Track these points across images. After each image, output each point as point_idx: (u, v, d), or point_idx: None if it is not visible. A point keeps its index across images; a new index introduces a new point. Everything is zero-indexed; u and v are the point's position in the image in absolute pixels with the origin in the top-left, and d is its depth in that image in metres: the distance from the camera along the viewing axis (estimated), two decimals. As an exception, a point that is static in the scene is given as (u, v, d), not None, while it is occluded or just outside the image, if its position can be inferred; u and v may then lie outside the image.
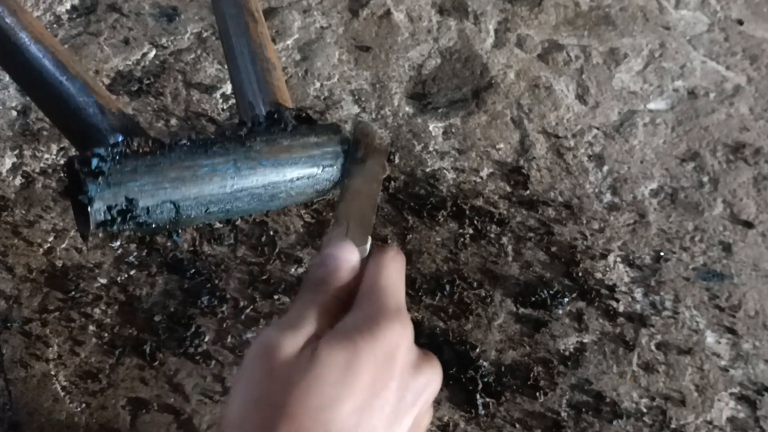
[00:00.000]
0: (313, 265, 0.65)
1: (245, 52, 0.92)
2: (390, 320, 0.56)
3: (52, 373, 1.16)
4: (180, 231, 0.76)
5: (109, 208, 0.70)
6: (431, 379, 0.57)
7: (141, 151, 0.74)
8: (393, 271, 0.62)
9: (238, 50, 0.93)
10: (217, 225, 1.30)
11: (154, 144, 0.76)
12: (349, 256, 0.62)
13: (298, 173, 0.81)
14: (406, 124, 1.46)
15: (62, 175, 1.34)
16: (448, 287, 1.27)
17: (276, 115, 0.86)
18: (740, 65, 1.59)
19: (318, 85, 1.51)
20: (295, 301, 0.60)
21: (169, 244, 1.25)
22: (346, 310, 0.59)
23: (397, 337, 0.55)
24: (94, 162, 0.70)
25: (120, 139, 0.76)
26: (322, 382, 0.51)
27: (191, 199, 0.74)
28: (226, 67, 1.39)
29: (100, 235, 0.69)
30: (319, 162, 0.83)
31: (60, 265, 1.26)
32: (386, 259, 0.62)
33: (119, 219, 0.70)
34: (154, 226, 0.74)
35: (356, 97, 1.50)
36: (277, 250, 1.29)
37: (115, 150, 0.72)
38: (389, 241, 1.30)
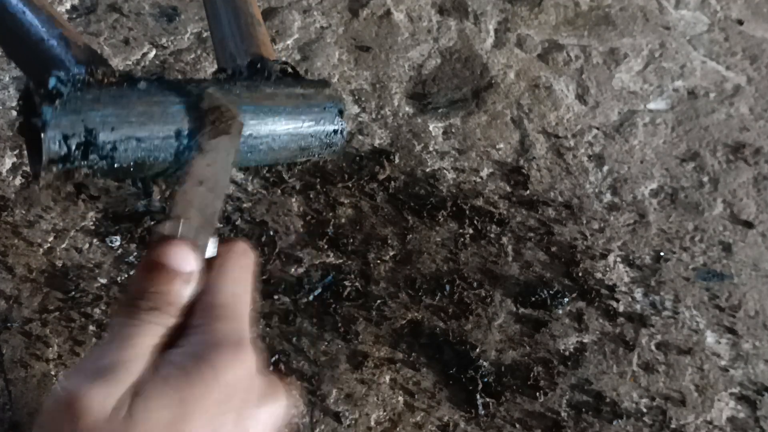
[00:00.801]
0: (133, 276, 0.51)
1: (228, 7, 0.86)
2: (225, 354, 0.45)
3: (52, 373, 1.16)
4: (146, 180, 0.68)
5: (66, 138, 0.60)
6: (274, 412, 0.48)
7: (106, 81, 0.65)
8: (236, 282, 0.50)
9: (219, 4, 0.86)
10: (217, 225, 1.29)
11: (122, 77, 0.66)
12: (180, 264, 0.48)
13: (281, 125, 0.74)
14: (406, 124, 1.46)
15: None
16: (448, 287, 1.26)
17: (259, 66, 0.78)
18: (740, 65, 1.59)
19: (318, 85, 1.51)
20: (109, 331, 0.47)
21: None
22: (181, 332, 0.47)
23: (234, 376, 0.45)
24: (52, 82, 0.61)
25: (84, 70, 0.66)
26: None
27: (159, 138, 0.64)
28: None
29: (54, 170, 0.60)
30: (305, 115, 0.76)
31: (60, 265, 1.26)
32: (231, 264, 0.50)
33: (76, 153, 0.61)
34: (116, 166, 0.64)
35: (356, 97, 1.50)
36: (277, 250, 1.29)
37: (78, 77, 0.63)
38: (388, 242, 1.30)
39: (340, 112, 0.79)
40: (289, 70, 0.80)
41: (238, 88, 0.72)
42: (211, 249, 0.52)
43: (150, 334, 0.47)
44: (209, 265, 0.51)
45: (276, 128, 0.73)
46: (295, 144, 0.75)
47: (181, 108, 0.66)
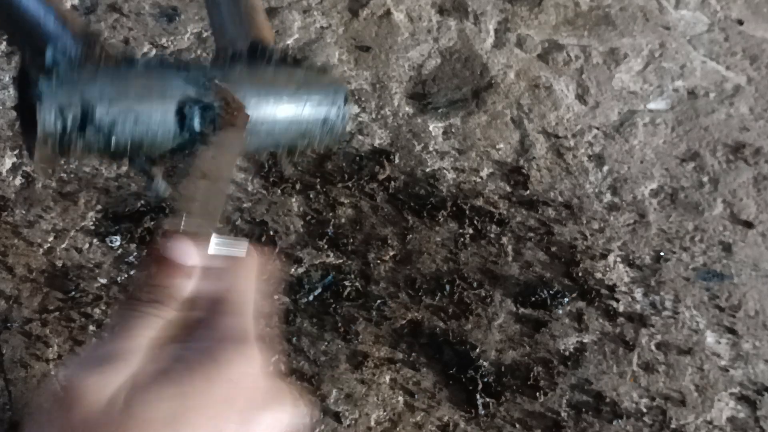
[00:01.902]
0: (139, 269, 0.50)
1: None
2: (230, 350, 0.44)
3: (52, 373, 1.16)
4: (145, 159, 0.66)
5: (62, 110, 0.58)
6: (279, 417, 0.46)
7: (105, 57, 0.64)
8: (244, 282, 0.49)
9: None
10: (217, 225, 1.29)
11: (120, 54, 0.65)
12: (181, 257, 0.48)
13: (282, 108, 0.72)
14: (406, 124, 1.46)
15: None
16: (448, 287, 1.26)
17: (259, 50, 0.77)
18: (740, 65, 1.59)
19: (318, 85, 1.51)
20: (110, 323, 0.47)
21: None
22: (184, 327, 0.47)
23: (238, 373, 0.44)
24: (49, 54, 0.60)
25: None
26: None
27: (158, 114, 0.62)
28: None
29: (50, 143, 0.58)
30: (306, 99, 0.74)
31: (60, 265, 1.26)
32: (238, 265, 0.50)
33: (73, 126, 0.59)
34: (114, 142, 0.62)
35: (356, 97, 1.50)
36: (277, 250, 1.29)
37: (75, 51, 0.62)
38: (388, 243, 1.30)
39: (343, 97, 0.77)
40: (290, 55, 0.78)
41: (238, 71, 0.71)
42: (217, 245, 0.51)
43: (150, 326, 0.46)
44: (216, 264, 0.50)
45: (277, 112, 0.71)
46: (296, 128, 0.74)
47: (182, 86, 0.64)
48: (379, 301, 1.24)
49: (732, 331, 1.26)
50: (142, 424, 0.40)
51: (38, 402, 0.43)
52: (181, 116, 0.64)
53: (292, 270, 1.27)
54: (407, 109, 1.49)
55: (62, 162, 1.39)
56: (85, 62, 0.62)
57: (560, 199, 1.38)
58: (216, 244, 0.51)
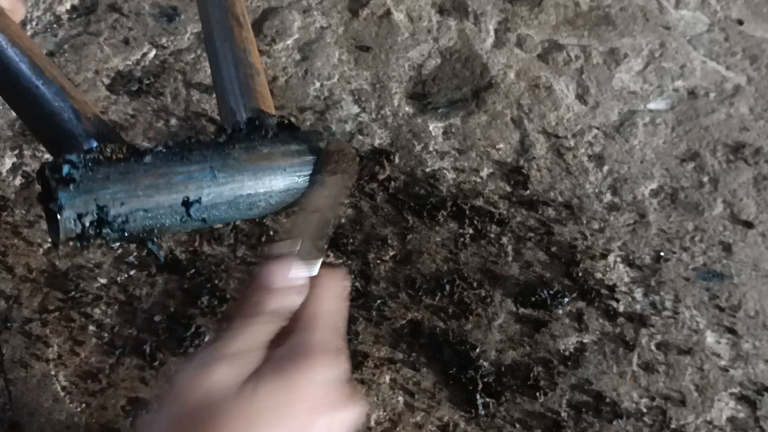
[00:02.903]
0: (257, 280, 0.63)
1: (229, 56, 0.90)
2: (325, 354, 0.56)
3: (52, 373, 1.16)
4: (156, 240, 0.76)
5: (80, 216, 0.68)
6: (353, 416, 0.57)
7: (114, 157, 0.72)
8: (336, 298, 0.61)
9: (221, 55, 0.91)
10: (217, 225, 1.30)
11: (129, 150, 0.74)
12: (297, 277, 0.60)
13: (278, 182, 0.79)
14: (406, 124, 1.46)
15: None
16: (448, 287, 1.27)
17: (257, 122, 0.84)
18: (740, 65, 1.59)
19: (318, 85, 1.51)
20: (236, 322, 0.58)
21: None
22: (287, 332, 0.58)
23: (331, 372, 0.55)
24: (65, 169, 0.68)
25: (94, 145, 0.74)
26: (261, 421, 0.51)
27: (165, 207, 0.71)
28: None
29: (71, 243, 0.70)
30: (300, 171, 0.81)
31: (60, 265, 1.26)
32: (331, 285, 0.61)
33: (90, 228, 0.69)
34: (127, 234, 0.72)
35: (356, 97, 1.50)
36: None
37: (88, 156, 0.71)
38: (388, 242, 1.30)
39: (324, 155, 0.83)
40: (286, 122, 0.85)
41: (237, 151, 0.78)
42: (317, 270, 0.62)
43: (267, 332, 0.58)
44: (312, 282, 0.61)
45: (273, 186, 0.79)
46: (291, 198, 0.81)
47: (185, 178, 0.73)
48: (379, 301, 1.24)
49: (732, 331, 1.26)
50: (265, 408, 0.52)
51: (173, 386, 0.54)
52: (187, 205, 0.73)
53: (292, 270, 1.27)
54: (407, 109, 1.49)
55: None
56: (98, 166, 0.70)
57: (560, 199, 1.38)
58: (316, 269, 0.62)
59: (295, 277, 0.60)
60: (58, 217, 0.67)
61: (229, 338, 0.56)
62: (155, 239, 0.75)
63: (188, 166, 0.73)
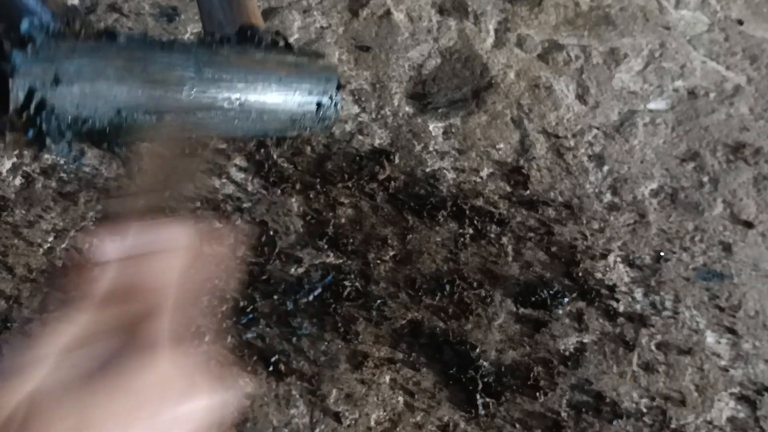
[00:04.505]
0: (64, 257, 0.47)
1: None
2: (136, 362, 0.41)
3: None
4: (123, 146, 0.62)
5: (36, 86, 0.54)
6: (191, 414, 0.43)
7: (84, 33, 0.60)
8: (163, 275, 0.44)
9: None
10: (217, 225, 1.30)
11: (102, 31, 0.61)
12: (97, 253, 0.43)
13: (273, 94, 0.69)
14: (406, 124, 1.46)
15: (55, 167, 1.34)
16: (448, 287, 1.26)
17: (249, 33, 0.73)
18: (740, 65, 1.59)
19: (318, 85, 1.51)
20: (54, 314, 0.44)
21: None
22: (95, 330, 0.43)
23: (143, 385, 0.41)
24: (24, 26, 0.56)
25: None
26: None
27: (139, 96, 0.58)
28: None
29: (23, 120, 0.54)
30: (297, 84, 0.70)
31: (60, 265, 1.26)
32: (156, 258, 0.44)
33: (47, 103, 0.55)
34: (90, 124, 0.59)
35: (356, 97, 1.50)
36: (277, 250, 1.29)
37: (54, 26, 0.58)
38: (388, 243, 1.30)
39: (335, 85, 0.73)
40: (281, 40, 0.74)
41: (226, 50, 0.67)
42: (170, 236, 0.45)
43: (61, 332, 0.43)
44: (152, 246, 0.44)
45: (266, 96, 0.68)
46: (286, 115, 0.71)
47: (164, 67, 0.60)
48: (379, 301, 1.24)
49: (732, 331, 1.26)
50: (102, 419, 0.38)
51: None
52: (165, 100, 0.61)
53: (292, 270, 1.27)
54: (407, 109, 1.49)
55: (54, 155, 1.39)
56: (63, 37, 0.58)
57: (560, 199, 1.38)
58: (141, 231, 0.44)
59: (95, 252, 0.43)
60: (9, 81, 0.54)
61: (11, 349, 0.43)
62: (122, 143, 0.62)
63: (169, 53, 0.62)
